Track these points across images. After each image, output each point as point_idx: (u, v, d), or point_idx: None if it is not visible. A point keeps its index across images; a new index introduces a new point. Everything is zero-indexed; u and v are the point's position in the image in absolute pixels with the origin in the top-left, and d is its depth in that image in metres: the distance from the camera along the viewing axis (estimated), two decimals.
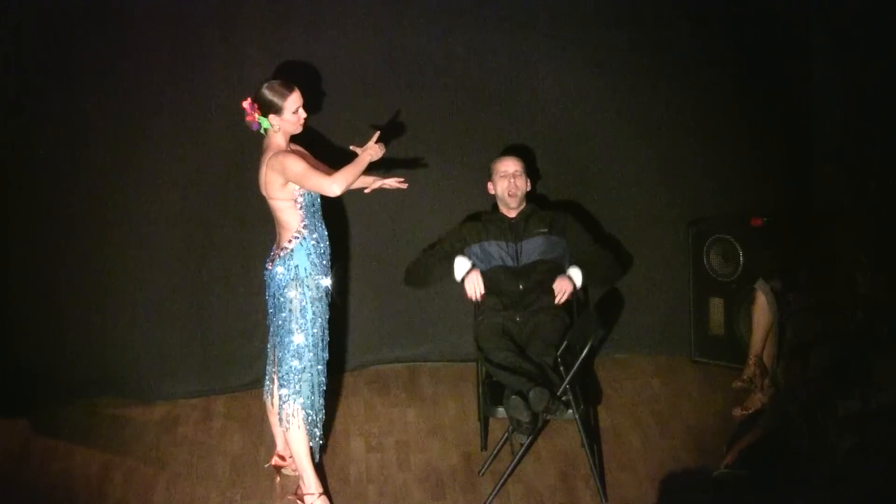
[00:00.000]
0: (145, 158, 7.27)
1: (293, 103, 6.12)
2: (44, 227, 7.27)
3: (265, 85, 6.12)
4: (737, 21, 7.46)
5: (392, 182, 6.44)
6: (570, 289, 6.76)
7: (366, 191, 6.49)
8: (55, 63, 7.11)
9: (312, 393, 6.29)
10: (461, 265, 6.82)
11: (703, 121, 7.60)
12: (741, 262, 7.44)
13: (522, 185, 6.96)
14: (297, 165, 6.05)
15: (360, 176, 6.18)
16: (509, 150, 7.16)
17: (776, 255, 7.27)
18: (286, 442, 6.43)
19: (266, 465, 6.70)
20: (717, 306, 7.57)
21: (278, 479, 6.61)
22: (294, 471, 6.52)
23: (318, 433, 6.38)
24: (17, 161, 7.20)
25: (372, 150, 6.21)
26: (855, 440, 5.63)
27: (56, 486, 6.62)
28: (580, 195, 7.62)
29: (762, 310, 7.07)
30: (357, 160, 6.14)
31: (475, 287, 6.77)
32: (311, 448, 6.34)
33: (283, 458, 6.62)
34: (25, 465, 6.82)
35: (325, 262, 6.28)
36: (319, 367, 6.31)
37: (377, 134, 6.26)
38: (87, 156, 7.23)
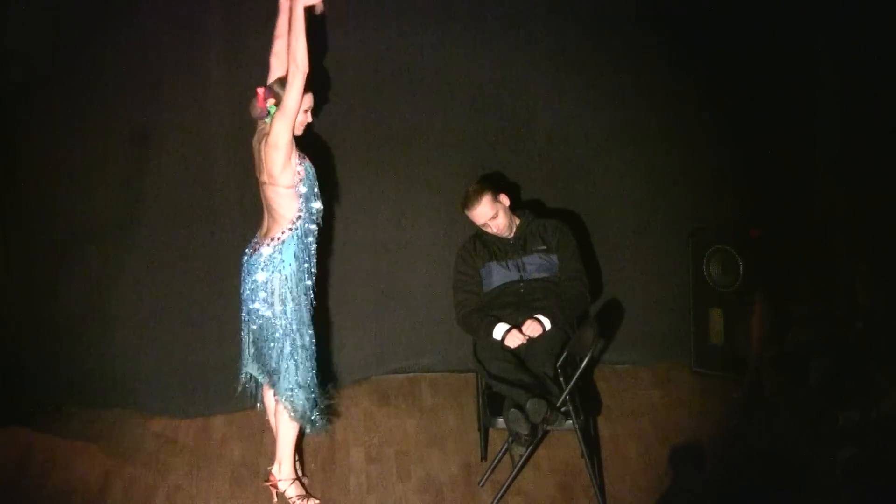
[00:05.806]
0: (146, 163, 7.23)
1: (305, 103, 6.15)
2: (44, 237, 7.26)
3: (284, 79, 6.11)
4: (737, 29, 7.47)
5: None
6: (539, 331, 6.65)
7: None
8: (54, 64, 7.10)
9: (307, 380, 6.30)
10: (499, 330, 6.68)
11: (703, 130, 7.60)
12: (741, 272, 7.44)
13: (502, 220, 6.77)
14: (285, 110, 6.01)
15: (303, 30, 5.96)
16: (469, 196, 6.77)
17: (775, 265, 7.27)
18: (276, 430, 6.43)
19: (264, 484, 6.64)
20: (716, 317, 7.57)
21: (275, 496, 6.58)
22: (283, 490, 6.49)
23: (315, 415, 6.37)
24: (16, 165, 7.19)
25: None
26: (854, 451, 5.63)
27: (56, 496, 6.62)
28: (579, 205, 7.61)
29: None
30: (294, 22, 5.96)
31: (517, 340, 6.64)
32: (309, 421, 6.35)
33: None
34: (25, 474, 6.82)
35: (311, 259, 6.27)
36: (307, 353, 6.31)
37: None
38: (88, 161, 7.21)
